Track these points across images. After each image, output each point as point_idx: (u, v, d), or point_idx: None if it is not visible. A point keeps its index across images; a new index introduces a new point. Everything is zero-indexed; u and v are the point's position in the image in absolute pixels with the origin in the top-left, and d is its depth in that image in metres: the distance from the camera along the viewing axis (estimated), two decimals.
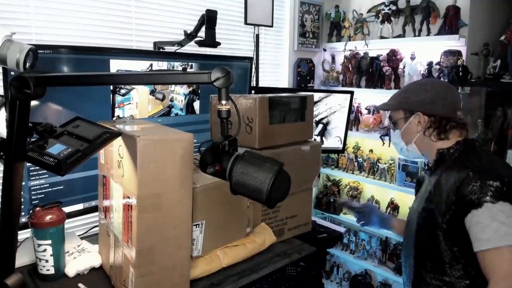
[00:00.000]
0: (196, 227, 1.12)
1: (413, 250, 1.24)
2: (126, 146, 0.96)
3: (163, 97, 1.61)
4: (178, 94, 1.66)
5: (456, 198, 1.07)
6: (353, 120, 2.73)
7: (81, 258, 1.20)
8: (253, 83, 2.25)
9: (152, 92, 1.58)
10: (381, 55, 2.64)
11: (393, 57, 2.59)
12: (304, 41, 2.84)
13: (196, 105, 1.73)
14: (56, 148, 0.82)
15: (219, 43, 1.78)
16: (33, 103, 1.10)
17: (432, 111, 1.22)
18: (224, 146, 0.81)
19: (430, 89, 1.24)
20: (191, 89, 1.69)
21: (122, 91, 1.48)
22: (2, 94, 1.11)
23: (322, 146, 1.57)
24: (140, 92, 1.54)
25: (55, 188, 1.33)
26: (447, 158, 1.19)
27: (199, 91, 1.72)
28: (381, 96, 2.54)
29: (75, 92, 1.34)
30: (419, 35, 2.45)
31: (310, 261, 1.42)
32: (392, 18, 2.57)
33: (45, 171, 1.25)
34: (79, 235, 1.44)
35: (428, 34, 2.40)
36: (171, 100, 1.64)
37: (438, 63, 2.37)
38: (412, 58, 2.48)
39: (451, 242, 1.11)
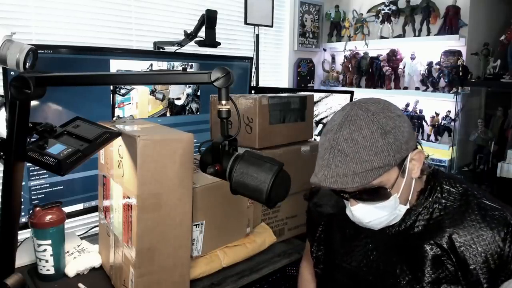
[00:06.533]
0: (196, 227, 1.12)
1: None
2: (126, 146, 0.96)
3: (163, 97, 1.61)
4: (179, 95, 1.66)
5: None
6: None
7: (81, 258, 1.20)
8: (253, 83, 2.25)
9: (152, 92, 1.58)
10: (381, 55, 2.64)
11: (393, 57, 2.59)
12: (304, 41, 2.84)
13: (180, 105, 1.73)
14: (56, 148, 0.82)
15: (219, 43, 1.78)
16: (33, 103, 1.10)
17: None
18: (224, 146, 0.81)
19: (393, 109, 0.81)
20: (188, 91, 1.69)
21: (122, 91, 1.48)
22: (2, 94, 1.11)
23: None
24: (140, 92, 1.54)
25: (55, 188, 1.33)
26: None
27: (199, 92, 1.73)
28: (381, 96, 2.53)
29: (75, 92, 1.34)
30: (419, 35, 2.45)
31: None
32: (392, 18, 2.57)
33: (45, 171, 1.24)
34: (79, 235, 1.44)
35: (428, 34, 2.40)
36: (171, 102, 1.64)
37: (438, 63, 2.37)
38: (412, 58, 2.49)
39: None
